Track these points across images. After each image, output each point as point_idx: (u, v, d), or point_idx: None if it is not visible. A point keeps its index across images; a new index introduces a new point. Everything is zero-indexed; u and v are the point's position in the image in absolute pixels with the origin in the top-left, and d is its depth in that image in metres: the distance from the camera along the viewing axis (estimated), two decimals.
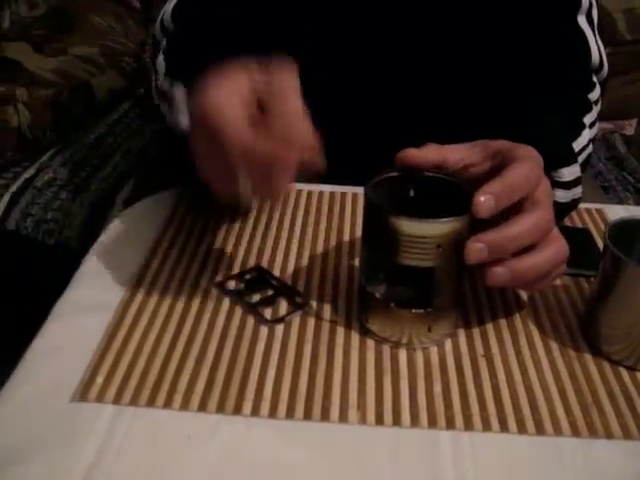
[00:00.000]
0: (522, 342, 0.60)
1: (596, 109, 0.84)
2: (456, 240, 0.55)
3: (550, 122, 0.76)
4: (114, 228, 0.75)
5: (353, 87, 0.90)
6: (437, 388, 0.55)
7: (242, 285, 0.65)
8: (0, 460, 0.49)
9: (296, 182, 0.54)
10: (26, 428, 0.51)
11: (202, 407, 0.53)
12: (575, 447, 0.51)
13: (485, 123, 0.69)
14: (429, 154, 0.59)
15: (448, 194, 0.58)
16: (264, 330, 0.60)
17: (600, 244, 0.71)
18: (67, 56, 1.64)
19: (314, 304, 0.63)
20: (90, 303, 0.63)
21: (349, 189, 0.81)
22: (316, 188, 0.81)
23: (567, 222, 0.77)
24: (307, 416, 0.53)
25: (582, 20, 0.83)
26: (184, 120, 0.65)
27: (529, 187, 0.56)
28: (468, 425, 0.52)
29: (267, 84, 0.54)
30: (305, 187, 0.81)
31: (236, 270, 0.67)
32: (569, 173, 0.72)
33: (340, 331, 0.61)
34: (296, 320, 0.62)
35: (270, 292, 0.65)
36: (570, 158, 0.73)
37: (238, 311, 0.62)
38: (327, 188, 0.82)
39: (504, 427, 0.52)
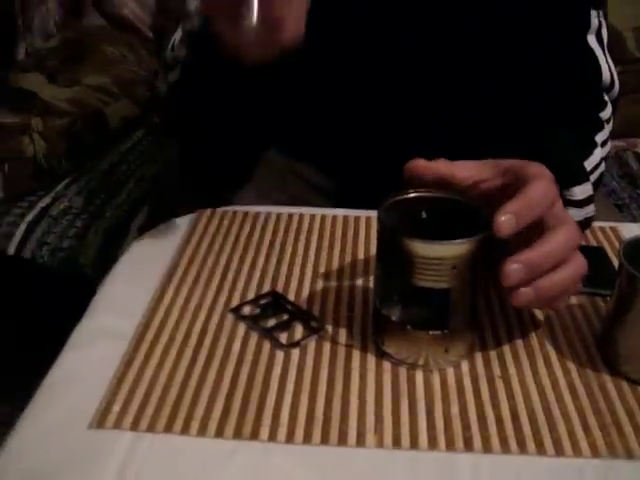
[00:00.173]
0: (539, 362, 0.60)
1: (608, 128, 0.84)
2: (471, 261, 0.55)
3: (561, 141, 0.76)
4: (129, 255, 0.75)
5: (365, 111, 0.90)
6: (454, 410, 0.55)
7: (257, 310, 0.66)
8: None
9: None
10: (45, 456, 0.51)
11: (219, 433, 0.53)
12: (595, 469, 0.51)
13: (496, 142, 0.69)
14: (438, 166, 0.60)
15: (460, 215, 0.58)
16: (280, 355, 0.60)
17: (615, 263, 0.71)
18: (81, 86, 1.66)
19: (329, 328, 0.63)
20: (106, 331, 0.63)
21: (362, 213, 0.81)
22: (330, 212, 0.82)
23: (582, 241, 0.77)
24: (324, 441, 0.52)
25: (592, 39, 0.84)
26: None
27: (547, 204, 0.57)
28: (486, 447, 0.52)
29: None
30: (319, 212, 0.82)
31: (251, 295, 0.68)
32: (581, 192, 0.72)
33: (356, 354, 0.61)
34: (312, 344, 0.62)
35: (285, 317, 0.65)
36: (582, 176, 0.73)
37: (254, 336, 0.62)
38: (340, 212, 0.82)
39: (523, 448, 0.52)
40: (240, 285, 0.69)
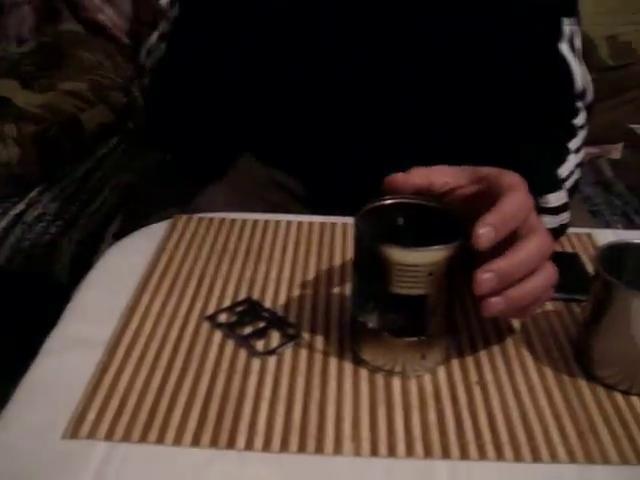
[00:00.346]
0: (515, 368, 0.60)
1: (582, 134, 0.84)
2: (448, 267, 0.55)
3: (534, 149, 0.77)
4: (104, 262, 0.75)
5: (340, 117, 0.90)
6: (432, 417, 0.55)
7: (234, 318, 0.65)
8: None
9: None
10: (16, 467, 0.51)
11: (195, 442, 0.52)
12: (572, 474, 0.51)
13: (470, 151, 0.69)
14: (415, 178, 0.60)
15: (437, 221, 0.58)
16: (256, 363, 0.60)
17: (590, 269, 0.72)
18: (56, 92, 1.65)
19: (306, 335, 0.63)
20: (81, 338, 0.63)
21: (339, 219, 0.81)
22: (306, 219, 0.82)
23: (556, 247, 0.77)
24: (301, 449, 0.52)
25: (565, 47, 0.84)
26: None
27: (523, 216, 0.57)
28: (464, 454, 0.52)
29: None
30: (295, 218, 0.82)
31: (227, 303, 0.67)
32: (555, 199, 0.72)
33: (333, 362, 0.60)
34: (288, 352, 0.61)
35: (262, 324, 0.64)
36: (556, 184, 0.73)
37: (230, 344, 0.62)
38: (317, 219, 0.82)
39: (500, 455, 0.52)
40: (216, 292, 0.69)
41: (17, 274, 1.30)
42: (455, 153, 0.66)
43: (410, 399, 0.57)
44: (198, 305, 0.67)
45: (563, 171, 0.77)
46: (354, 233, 0.58)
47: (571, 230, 0.78)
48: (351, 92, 0.88)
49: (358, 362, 0.60)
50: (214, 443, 0.52)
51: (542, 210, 0.71)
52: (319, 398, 0.56)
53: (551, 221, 0.72)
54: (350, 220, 0.65)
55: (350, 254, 0.74)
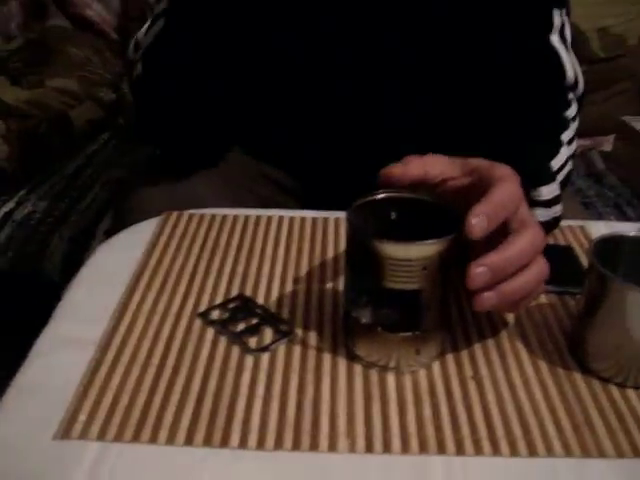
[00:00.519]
0: (511, 362, 0.60)
1: (573, 126, 0.84)
2: (441, 261, 0.55)
3: (526, 141, 0.77)
4: (95, 260, 0.74)
5: (330, 113, 0.90)
6: (427, 412, 0.55)
7: (226, 314, 0.65)
8: None
9: None
10: (8, 469, 0.50)
11: (188, 441, 0.52)
12: (569, 468, 0.51)
13: (461, 144, 0.69)
14: (411, 170, 0.59)
15: (430, 215, 0.58)
16: (249, 360, 0.59)
17: (584, 261, 0.71)
18: (45, 88, 1.64)
19: (299, 331, 0.63)
20: (72, 338, 0.62)
21: (331, 214, 0.81)
22: (298, 214, 0.81)
23: (550, 240, 0.77)
24: (296, 446, 0.52)
25: (555, 39, 0.84)
26: None
27: (513, 208, 0.56)
28: (460, 449, 0.52)
29: None
30: (287, 214, 0.81)
31: (219, 299, 0.67)
32: (548, 192, 0.72)
33: (327, 358, 0.60)
34: (282, 348, 0.61)
35: (254, 321, 0.64)
36: (548, 177, 0.73)
37: (223, 341, 0.62)
38: (309, 214, 0.81)
39: (496, 450, 0.52)
40: (208, 289, 0.68)
41: (7, 273, 1.29)
42: (448, 146, 0.65)
43: (405, 394, 0.56)
44: (190, 302, 0.66)
45: (555, 163, 0.76)
46: (346, 228, 0.58)
47: (564, 222, 0.77)
48: (343, 84, 0.88)
49: (352, 358, 0.60)
50: (208, 442, 0.52)
51: (535, 203, 0.71)
52: (313, 395, 0.56)
53: (544, 214, 0.72)
54: (342, 215, 0.65)
55: (342, 249, 0.74)
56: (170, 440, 0.52)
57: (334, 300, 0.67)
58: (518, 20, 0.84)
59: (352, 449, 0.52)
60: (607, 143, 1.68)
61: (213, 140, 0.92)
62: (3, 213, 1.37)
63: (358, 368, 0.59)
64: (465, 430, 0.53)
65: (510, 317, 0.65)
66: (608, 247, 0.59)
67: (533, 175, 0.70)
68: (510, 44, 0.84)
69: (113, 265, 0.73)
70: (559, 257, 0.63)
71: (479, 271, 0.54)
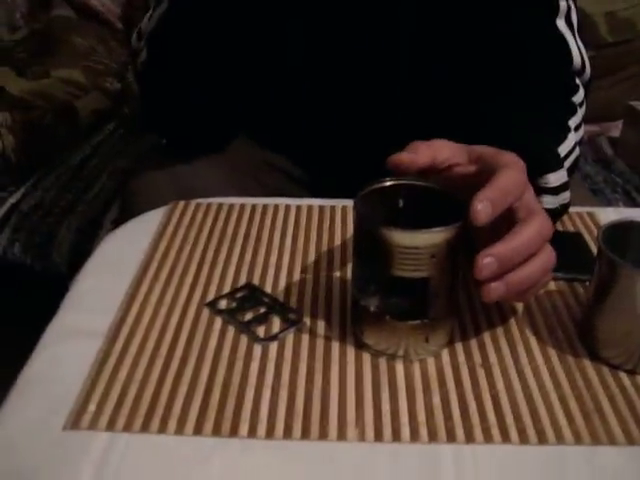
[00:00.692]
0: (520, 350, 0.60)
1: (581, 111, 0.83)
2: (450, 249, 0.54)
3: (534, 127, 0.76)
4: (102, 250, 0.74)
5: (337, 99, 0.89)
6: (436, 400, 0.54)
7: (234, 304, 0.65)
8: None
9: None
10: (18, 459, 0.50)
11: (197, 431, 0.52)
12: (578, 455, 0.51)
13: (468, 130, 0.68)
14: (420, 157, 0.59)
15: (438, 203, 0.57)
16: (258, 349, 0.59)
17: (593, 248, 0.71)
18: (50, 79, 1.64)
19: (308, 320, 0.63)
20: (79, 329, 0.62)
21: (338, 202, 0.80)
22: (305, 203, 0.81)
23: (558, 226, 0.77)
24: (305, 435, 0.52)
25: (561, 23, 0.83)
26: None
27: (518, 192, 0.56)
28: (469, 437, 0.51)
29: None
30: (294, 202, 0.81)
31: (227, 288, 0.67)
32: (555, 179, 0.71)
33: (335, 346, 0.60)
34: (290, 337, 0.61)
35: (262, 310, 0.64)
36: (556, 163, 0.72)
37: (231, 330, 0.61)
38: (316, 202, 0.81)
39: (506, 438, 0.51)
40: (216, 278, 0.68)
41: (15, 264, 1.29)
42: (454, 133, 0.65)
43: (414, 383, 0.56)
44: (198, 292, 0.66)
45: (563, 149, 0.76)
46: (354, 216, 0.58)
47: (573, 209, 0.77)
48: (352, 66, 0.87)
49: (360, 346, 0.59)
50: (217, 431, 0.52)
51: (542, 190, 0.70)
52: (322, 384, 0.56)
53: (552, 201, 0.71)
54: (349, 203, 0.64)
55: (350, 238, 0.73)
56: (179, 430, 0.52)
57: (342, 289, 0.67)
58: (523, 5, 0.84)
59: (361, 438, 0.51)
60: (615, 129, 1.67)
61: (218, 127, 0.92)
62: (10, 204, 1.38)
63: (367, 357, 0.59)
64: (475, 418, 0.53)
65: (519, 305, 0.65)
66: (617, 233, 0.58)
67: (540, 161, 0.69)
68: (516, 29, 0.84)
69: (120, 255, 0.72)
70: (568, 244, 0.62)
71: (486, 262, 0.53)
